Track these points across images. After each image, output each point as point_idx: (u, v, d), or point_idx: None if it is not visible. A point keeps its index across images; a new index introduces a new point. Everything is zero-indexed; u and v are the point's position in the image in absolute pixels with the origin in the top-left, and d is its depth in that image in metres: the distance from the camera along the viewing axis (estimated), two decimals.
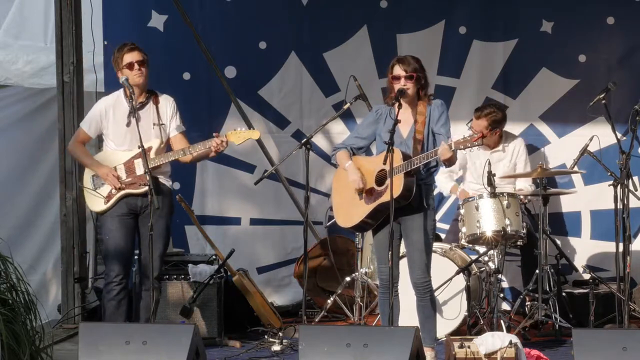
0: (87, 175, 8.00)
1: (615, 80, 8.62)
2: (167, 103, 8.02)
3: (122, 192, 7.86)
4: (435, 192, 9.40)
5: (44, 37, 9.72)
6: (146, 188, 7.71)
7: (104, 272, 8.14)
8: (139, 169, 7.85)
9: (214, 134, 7.88)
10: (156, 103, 7.95)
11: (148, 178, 7.54)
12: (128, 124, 7.87)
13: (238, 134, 7.94)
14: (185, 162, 8.07)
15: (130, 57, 7.86)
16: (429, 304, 7.58)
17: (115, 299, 7.87)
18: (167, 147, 8.00)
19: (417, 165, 7.35)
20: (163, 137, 7.93)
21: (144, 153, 7.62)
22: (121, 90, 7.96)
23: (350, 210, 7.65)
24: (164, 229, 7.92)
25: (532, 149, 9.63)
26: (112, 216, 7.88)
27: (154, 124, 7.88)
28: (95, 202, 7.94)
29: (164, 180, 7.95)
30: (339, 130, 9.77)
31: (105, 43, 9.42)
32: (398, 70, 7.52)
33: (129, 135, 7.88)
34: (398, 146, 7.36)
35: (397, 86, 7.49)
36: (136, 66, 7.84)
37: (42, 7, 9.71)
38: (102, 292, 8.05)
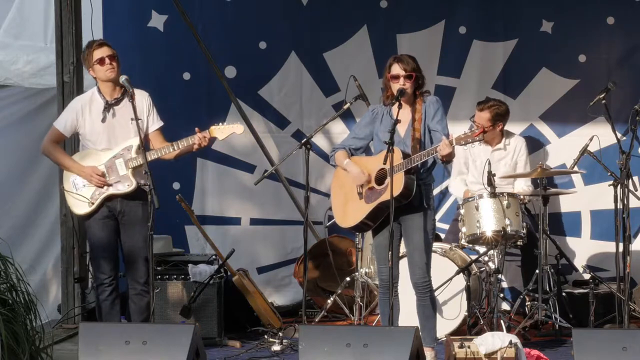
0: (67, 177, 7.91)
1: (615, 80, 8.63)
2: (142, 98, 7.90)
3: (106, 194, 7.81)
4: (437, 192, 9.45)
5: (44, 37, 9.71)
6: (129, 189, 7.72)
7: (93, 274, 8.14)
8: (121, 168, 7.81)
9: (196, 129, 7.83)
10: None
11: (148, 178, 7.51)
12: (103, 120, 7.82)
13: (221, 128, 7.88)
14: (169, 159, 7.94)
15: (101, 52, 7.79)
16: (429, 304, 7.58)
17: (108, 299, 7.87)
18: (145, 143, 7.93)
19: (416, 163, 7.36)
20: (141, 133, 7.84)
21: (144, 153, 7.60)
22: (95, 88, 7.91)
23: (350, 211, 7.65)
24: (148, 232, 7.81)
25: (532, 149, 9.63)
26: (96, 220, 7.83)
27: (131, 119, 7.77)
28: (79, 205, 7.85)
29: (144, 181, 7.85)
30: (339, 130, 9.77)
31: None
32: (397, 69, 7.51)
33: (105, 133, 7.82)
34: (396, 145, 7.35)
35: (396, 86, 7.49)
36: (107, 61, 7.77)
37: (42, 7, 9.70)
38: (95, 294, 8.04)
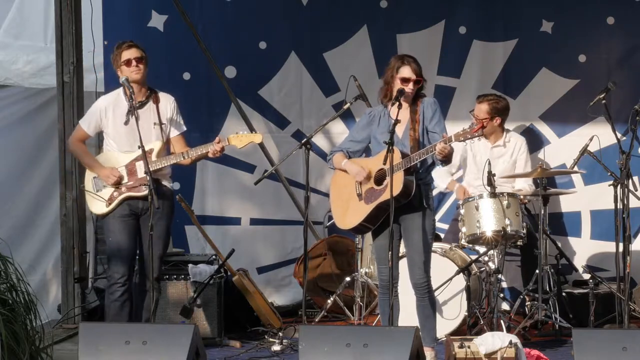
0: (88, 176, 7.99)
1: (615, 80, 8.63)
2: (167, 102, 7.98)
3: (124, 195, 7.85)
4: (436, 191, 9.44)
5: (44, 37, 9.72)
6: (146, 191, 7.72)
7: (105, 272, 8.14)
8: (141, 171, 7.83)
9: (217, 138, 7.86)
10: (156, 102, 7.91)
11: (148, 179, 7.53)
12: (126, 123, 7.85)
13: (240, 137, 7.92)
14: (185, 165, 8.05)
15: (129, 54, 7.84)
16: (428, 304, 7.58)
17: (119, 300, 7.87)
18: (167, 147, 8.00)
19: (415, 162, 7.35)
20: (163, 137, 7.91)
21: (144, 153, 7.61)
22: (121, 88, 7.94)
23: (349, 212, 7.64)
24: (164, 230, 7.91)
25: (532, 149, 9.63)
26: (114, 217, 7.87)
27: (154, 124, 7.84)
28: (97, 205, 7.92)
29: (166, 182, 7.94)
30: (339, 130, 9.77)
31: (105, 43, 9.43)
32: (408, 72, 7.47)
33: (129, 135, 7.86)
34: (395, 146, 7.33)
35: (404, 87, 7.47)
36: (134, 63, 7.81)
37: (42, 7, 9.71)
38: (105, 293, 8.04)
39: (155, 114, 7.85)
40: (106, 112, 7.93)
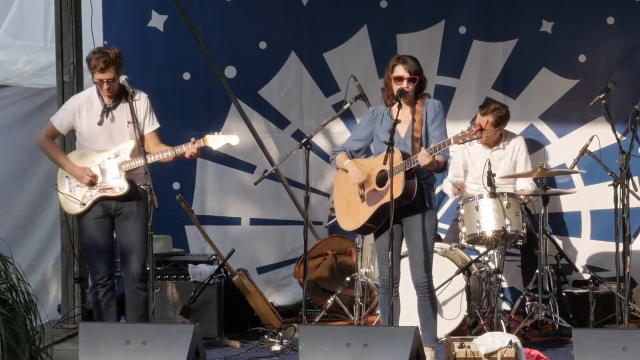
0: (61, 175, 7.93)
1: (615, 80, 8.63)
2: (140, 100, 7.93)
3: (98, 196, 7.81)
4: (437, 192, 9.43)
5: (44, 37, 9.72)
6: (120, 193, 7.74)
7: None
8: (115, 171, 7.78)
9: (192, 139, 7.81)
10: (129, 101, 7.86)
11: (148, 178, 7.50)
12: (100, 123, 7.84)
13: (215, 138, 7.88)
14: (166, 162, 7.98)
15: (100, 76, 7.74)
16: (429, 304, 7.58)
17: (102, 300, 7.87)
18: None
19: (416, 164, 7.34)
20: (137, 136, 7.84)
21: (144, 154, 7.58)
22: (94, 87, 7.89)
23: (352, 213, 7.63)
24: (142, 231, 7.82)
25: (532, 149, 9.63)
26: (89, 219, 7.84)
27: (128, 122, 7.79)
28: (71, 206, 7.89)
29: (140, 182, 7.81)
30: (339, 130, 9.77)
31: (105, 43, 9.43)
32: (401, 71, 7.49)
33: (103, 134, 7.83)
34: (396, 145, 7.34)
35: (399, 87, 7.47)
36: (105, 85, 7.75)
37: (42, 7, 9.71)
38: (90, 294, 8.06)
39: (128, 113, 7.77)
40: (80, 111, 7.87)
